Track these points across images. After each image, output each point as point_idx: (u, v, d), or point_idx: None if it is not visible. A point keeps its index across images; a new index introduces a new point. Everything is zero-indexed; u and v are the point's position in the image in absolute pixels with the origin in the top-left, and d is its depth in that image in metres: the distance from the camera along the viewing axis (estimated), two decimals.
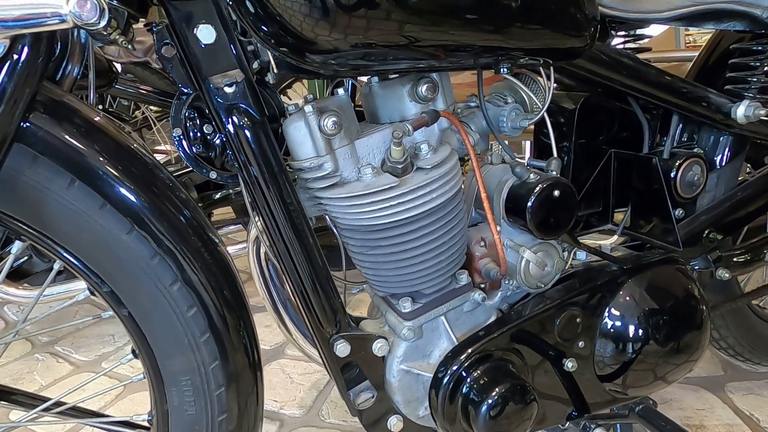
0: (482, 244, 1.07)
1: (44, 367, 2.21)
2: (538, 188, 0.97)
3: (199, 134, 0.97)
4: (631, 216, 1.23)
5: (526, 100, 1.09)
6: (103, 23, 0.62)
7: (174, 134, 0.97)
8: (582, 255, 1.19)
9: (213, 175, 1.01)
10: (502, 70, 0.89)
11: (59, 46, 0.86)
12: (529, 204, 0.96)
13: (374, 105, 1.00)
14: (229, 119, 0.85)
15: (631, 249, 1.25)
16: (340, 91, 0.96)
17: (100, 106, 2.11)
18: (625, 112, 1.22)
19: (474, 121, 1.08)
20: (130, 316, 0.85)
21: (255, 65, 0.86)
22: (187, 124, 0.97)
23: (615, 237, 1.23)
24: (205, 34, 0.80)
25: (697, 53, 1.39)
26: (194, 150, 0.98)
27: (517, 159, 1.05)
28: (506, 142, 1.12)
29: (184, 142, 0.97)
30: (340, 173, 0.92)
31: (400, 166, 0.92)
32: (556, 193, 0.97)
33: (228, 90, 0.82)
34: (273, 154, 0.89)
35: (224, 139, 0.87)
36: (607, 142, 1.23)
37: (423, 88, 0.93)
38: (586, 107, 1.17)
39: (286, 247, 0.93)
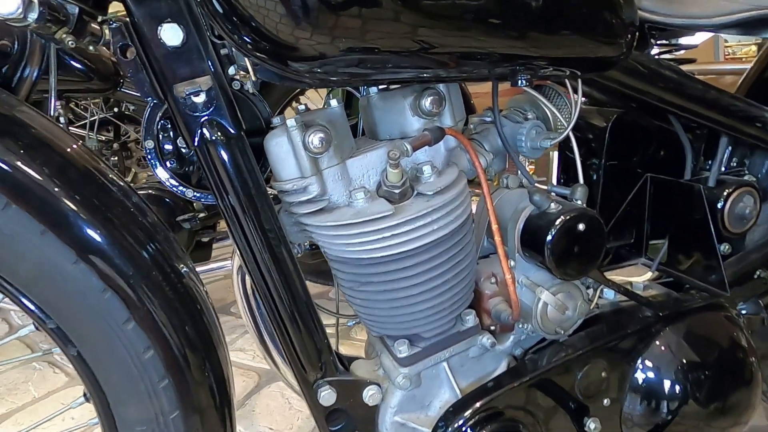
0: (493, 280, 0.93)
1: (40, 377, 2.14)
2: (559, 220, 0.82)
3: (173, 148, 0.86)
4: (668, 251, 1.07)
5: (549, 116, 0.95)
6: (31, 18, 0.52)
7: (145, 147, 0.86)
8: (610, 294, 1.04)
9: (189, 194, 0.89)
10: (520, 82, 0.76)
11: (16, 48, 0.76)
12: (549, 238, 0.82)
13: (373, 119, 0.88)
14: (198, 134, 0.73)
15: (667, 288, 1.09)
16: (333, 102, 0.84)
17: (99, 114, 2.04)
18: (663, 131, 1.07)
19: (488, 139, 0.95)
20: (80, 356, 0.74)
21: (231, 71, 0.74)
22: (161, 136, 0.86)
23: (649, 274, 1.08)
24: (171, 34, 0.68)
25: (737, 66, 1.23)
26: (168, 165, 0.87)
27: (538, 184, 0.91)
28: (526, 163, 0.98)
29: (157, 157, 0.86)
30: (328, 197, 0.80)
31: (397, 191, 0.79)
32: (581, 226, 0.83)
33: (196, 100, 0.71)
34: (251, 173, 0.77)
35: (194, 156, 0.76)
36: (643, 165, 1.08)
37: (427, 102, 0.80)
38: (619, 125, 1.03)
39: (263, 279, 0.81)
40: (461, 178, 0.83)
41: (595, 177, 1.04)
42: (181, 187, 0.89)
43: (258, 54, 0.67)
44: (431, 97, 0.80)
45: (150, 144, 0.87)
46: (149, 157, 0.87)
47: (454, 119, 0.84)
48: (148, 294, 0.72)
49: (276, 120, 0.84)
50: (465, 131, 0.97)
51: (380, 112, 0.86)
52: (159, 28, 0.68)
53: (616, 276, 1.09)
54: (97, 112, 2.02)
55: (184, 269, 0.81)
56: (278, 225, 0.81)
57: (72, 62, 1.76)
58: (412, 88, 0.82)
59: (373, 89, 0.86)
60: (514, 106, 0.99)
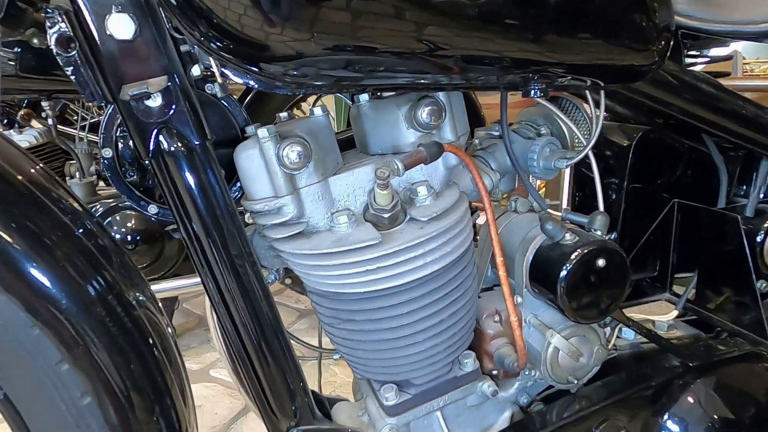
0: (497, 318, 0.81)
1: None
2: (575, 254, 0.71)
3: (135, 157, 0.76)
4: (697, 286, 0.95)
5: (566, 132, 0.84)
6: None
7: (103, 157, 0.75)
8: (629, 334, 0.92)
9: (153, 209, 0.79)
10: (533, 92, 0.65)
11: None
12: (563, 274, 0.71)
13: (363, 131, 0.77)
14: (152, 143, 0.62)
15: (694, 329, 0.97)
16: (317, 110, 0.73)
17: (89, 115, 1.95)
18: (694, 151, 0.95)
19: (495, 157, 0.83)
20: (7, 399, 0.63)
21: (196, 71, 0.64)
22: (119, 144, 0.76)
23: (674, 312, 0.95)
24: (121, 26, 0.58)
25: (757, 82, 1.11)
26: (128, 177, 0.77)
27: (551, 209, 0.79)
28: (536, 184, 0.86)
29: (114, 167, 0.76)
30: (306, 220, 0.69)
31: (386, 216, 0.67)
32: (600, 262, 0.71)
33: (150, 103, 0.60)
34: (216, 190, 0.66)
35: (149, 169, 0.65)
36: (670, 189, 0.96)
37: (424, 113, 0.69)
38: (645, 143, 0.91)
39: (227, 309, 0.70)
40: (462, 201, 0.72)
41: (615, 200, 0.92)
42: (142, 202, 0.79)
43: (222, 54, 0.56)
44: (429, 108, 0.69)
45: (108, 152, 0.76)
46: (105, 167, 0.76)
47: (455, 133, 0.73)
48: (87, 331, 0.61)
49: (250, 129, 0.73)
50: (469, 147, 0.86)
51: (371, 124, 0.75)
52: (107, 17, 0.58)
53: (636, 313, 0.97)
54: (87, 114, 1.94)
55: (139, 298, 0.70)
56: (248, 249, 0.69)
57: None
58: (408, 97, 0.71)
59: (364, 97, 0.75)
60: (526, 119, 0.88)
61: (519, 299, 0.80)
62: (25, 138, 1.95)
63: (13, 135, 1.96)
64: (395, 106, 0.71)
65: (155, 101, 0.61)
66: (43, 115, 1.88)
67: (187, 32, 0.56)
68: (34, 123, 2.14)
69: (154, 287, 1.89)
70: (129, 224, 1.80)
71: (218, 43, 0.55)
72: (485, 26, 0.61)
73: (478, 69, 0.65)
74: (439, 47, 0.61)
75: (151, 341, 0.68)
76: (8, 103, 2.20)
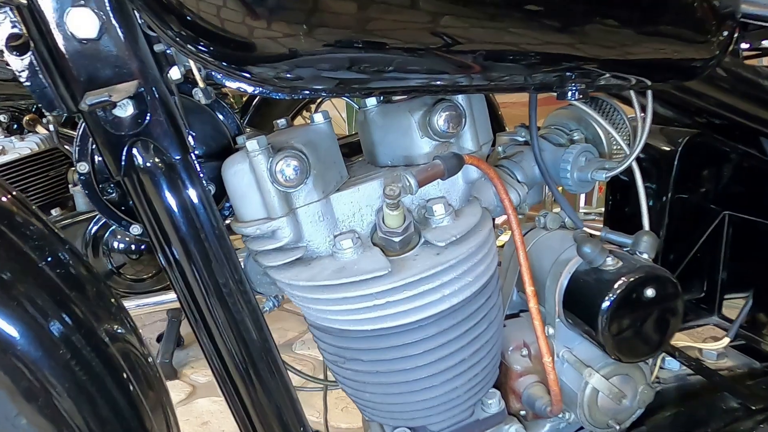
0: (525, 352, 0.71)
1: None
2: (619, 283, 0.60)
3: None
4: (751, 310, 0.84)
5: (603, 137, 0.73)
6: None
7: (78, 171, 0.67)
8: (674, 364, 0.81)
9: (136, 230, 0.70)
10: (569, 94, 0.54)
11: None
12: (605, 306, 0.60)
13: (370, 139, 0.67)
14: (124, 159, 0.54)
15: (747, 358, 0.86)
16: (318, 117, 0.63)
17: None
18: (748, 158, 0.83)
19: (522, 167, 0.73)
20: None
21: (174, 74, 0.55)
22: (96, 159, 0.67)
23: (726, 340, 0.84)
24: (82, 22, 0.49)
25: None
26: (107, 193, 0.68)
27: (586, 227, 0.69)
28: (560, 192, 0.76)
29: (89, 183, 0.67)
30: (305, 244, 0.60)
31: (397, 240, 0.58)
32: (650, 292, 0.61)
33: (120, 113, 0.51)
34: (200, 210, 0.57)
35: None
36: (719, 199, 0.84)
37: (440, 119, 0.59)
38: (692, 149, 0.80)
39: (214, 346, 0.61)
40: (485, 221, 0.62)
41: (657, 212, 0.81)
42: (123, 222, 0.70)
43: (201, 56, 0.47)
44: (447, 113, 0.59)
45: (84, 167, 0.68)
46: (82, 184, 0.68)
47: (476, 142, 0.63)
48: (48, 378, 0.53)
49: (240, 140, 0.64)
50: (491, 155, 0.76)
51: (380, 132, 0.66)
52: (66, 13, 0.49)
53: (680, 340, 0.86)
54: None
55: (115, 332, 0.61)
56: (238, 277, 0.61)
57: None
58: (422, 101, 0.61)
59: (371, 101, 0.65)
60: (556, 123, 0.78)
61: (550, 330, 0.69)
62: (26, 145, 1.89)
63: (14, 141, 1.90)
64: (407, 111, 0.62)
65: (125, 110, 0.52)
66: (44, 120, 1.82)
67: (159, 30, 0.47)
68: (40, 129, 2.08)
69: (159, 298, 1.79)
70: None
71: (195, 44, 0.47)
72: (513, 16, 0.51)
73: (504, 67, 0.55)
74: (459, 42, 0.51)
75: (126, 380, 0.60)
76: (16, 108, 2.15)
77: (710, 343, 0.85)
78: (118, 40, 0.51)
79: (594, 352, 0.68)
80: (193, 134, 0.71)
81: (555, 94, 0.56)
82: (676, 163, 0.79)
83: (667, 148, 0.80)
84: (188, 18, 0.45)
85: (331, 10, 0.47)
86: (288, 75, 0.49)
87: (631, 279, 0.60)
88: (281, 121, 0.70)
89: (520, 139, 0.80)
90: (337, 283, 0.55)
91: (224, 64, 0.48)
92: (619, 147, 0.74)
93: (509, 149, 0.78)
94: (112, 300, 0.63)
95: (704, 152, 0.80)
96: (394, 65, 0.50)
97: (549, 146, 0.73)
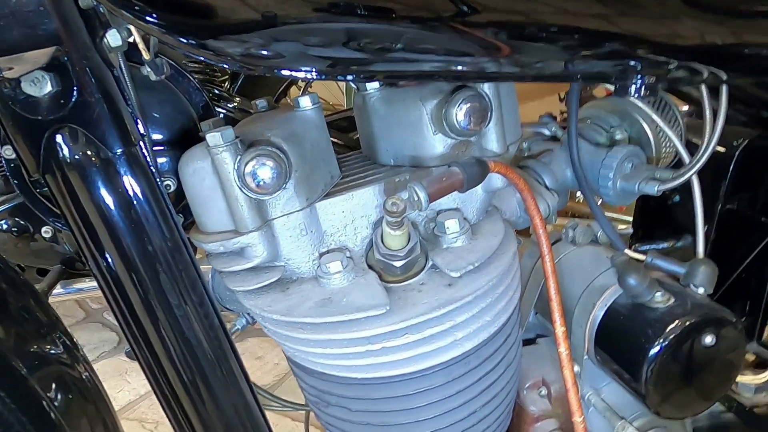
0: (543, 392, 0.60)
1: None
2: (673, 326, 0.48)
3: None
4: None
5: (651, 139, 0.60)
6: None
7: (3, 156, 0.54)
8: None
9: None
10: (633, 89, 0.41)
11: None
12: (653, 353, 0.49)
13: (371, 130, 0.54)
14: (43, 151, 0.41)
15: None
16: (304, 101, 0.50)
17: None
18: None
19: (551, 170, 0.61)
20: None
21: (114, 39, 0.41)
22: None
23: (767, 374, 0.73)
24: None
25: None
26: (40, 185, 0.55)
27: (629, 251, 0.56)
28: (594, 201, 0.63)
29: (20, 171, 0.54)
30: (282, 263, 0.47)
31: (398, 265, 0.46)
32: (708, 339, 0.49)
33: (34, 91, 0.38)
34: (148, 216, 0.45)
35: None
36: None
37: (460, 112, 0.46)
38: (751, 153, 0.68)
39: (165, 379, 0.50)
40: (508, 242, 0.50)
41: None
42: (57, 220, 0.58)
43: (138, 23, 0.34)
44: (468, 105, 0.46)
45: (10, 152, 0.55)
46: (8, 172, 0.55)
47: (503, 142, 0.50)
48: None
49: (205, 127, 0.50)
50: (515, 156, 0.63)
51: (382, 122, 0.52)
52: None
53: None
54: None
55: (47, 349, 0.50)
56: (197, 296, 0.49)
57: None
58: (437, 86, 0.48)
59: (373, 83, 0.52)
60: (593, 117, 0.65)
61: (576, 368, 0.58)
62: None
63: None
64: (418, 99, 0.49)
65: (41, 87, 0.39)
66: None
67: None
68: None
69: None
70: None
71: (128, 7, 0.33)
72: None
73: (546, 50, 0.41)
74: (487, 13, 0.38)
75: (58, 398, 0.48)
76: None
77: (748, 376, 0.74)
78: None
79: (625, 397, 0.57)
80: (155, 116, 0.58)
81: (611, 86, 0.43)
82: (732, 169, 0.66)
83: (722, 150, 0.67)
84: None
85: None
86: (263, 52, 0.36)
87: (687, 322, 0.48)
88: (260, 102, 0.57)
89: (546, 132, 0.68)
90: (320, 321, 0.43)
91: (173, 35, 0.35)
92: (669, 150, 0.61)
93: (535, 145, 0.65)
94: (44, 315, 0.52)
95: (766, 158, 0.67)
96: (402, 42, 0.37)
97: (585, 146, 0.60)
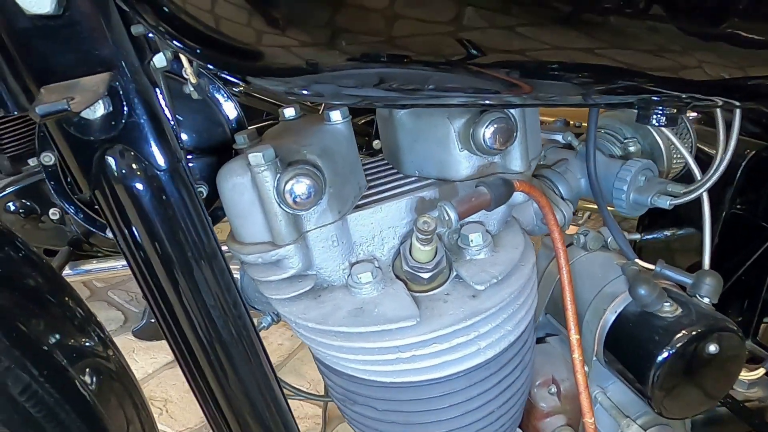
0: (553, 389, 0.63)
1: None
2: (680, 336, 0.52)
3: None
4: None
5: (664, 151, 0.63)
6: None
7: (42, 163, 0.56)
8: None
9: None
10: (654, 119, 0.43)
11: None
12: (660, 359, 0.52)
13: (396, 142, 0.56)
14: (95, 170, 0.43)
15: None
16: (335, 115, 0.52)
17: None
18: None
19: (566, 180, 0.63)
20: None
21: (160, 61, 0.43)
22: None
23: (761, 371, 0.77)
24: None
25: None
26: (79, 191, 0.57)
27: (639, 260, 0.59)
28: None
29: (59, 177, 0.56)
30: (315, 272, 0.50)
31: (426, 276, 0.48)
32: (712, 348, 0.52)
33: (88, 115, 0.40)
34: (189, 230, 0.47)
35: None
36: None
37: (487, 132, 0.48)
38: (758, 163, 0.70)
39: (203, 379, 0.53)
40: (528, 255, 0.52)
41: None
42: (98, 223, 0.60)
43: (192, 57, 0.36)
44: (496, 126, 0.48)
45: (48, 158, 0.57)
46: (47, 177, 0.57)
47: (525, 159, 0.52)
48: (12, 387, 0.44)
49: (240, 139, 0.53)
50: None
51: (409, 137, 0.54)
52: None
53: None
54: None
55: (83, 341, 0.53)
56: (231, 298, 0.52)
57: None
58: (465, 108, 0.50)
59: None
60: (607, 128, 0.67)
61: (584, 368, 0.62)
62: None
63: None
64: (446, 116, 0.51)
65: (95, 111, 0.40)
66: None
67: (137, 15, 0.36)
68: None
69: None
70: None
71: (183, 44, 0.35)
72: (585, 21, 0.40)
73: (570, 87, 0.43)
74: (509, 55, 0.40)
75: (93, 387, 0.52)
76: None
77: (742, 372, 0.78)
78: (84, 17, 0.39)
79: (630, 396, 0.61)
80: (185, 121, 0.60)
81: (636, 112, 0.45)
82: (738, 176, 0.69)
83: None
84: (173, 11, 0.33)
85: (358, 15, 0.35)
86: (304, 91, 0.37)
87: (693, 332, 0.52)
88: (288, 111, 0.59)
89: (561, 139, 0.70)
90: (354, 331, 0.46)
91: (220, 70, 0.36)
92: (679, 161, 0.63)
93: (550, 154, 0.67)
94: (79, 309, 0.55)
95: None
96: (430, 83, 0.39)
97: (600, 157, 0.62)
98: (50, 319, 0.54)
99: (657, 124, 0.43)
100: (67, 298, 0.57)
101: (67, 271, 1.43)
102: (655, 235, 0.88)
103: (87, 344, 0.56)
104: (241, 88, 1.23)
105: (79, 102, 0.35)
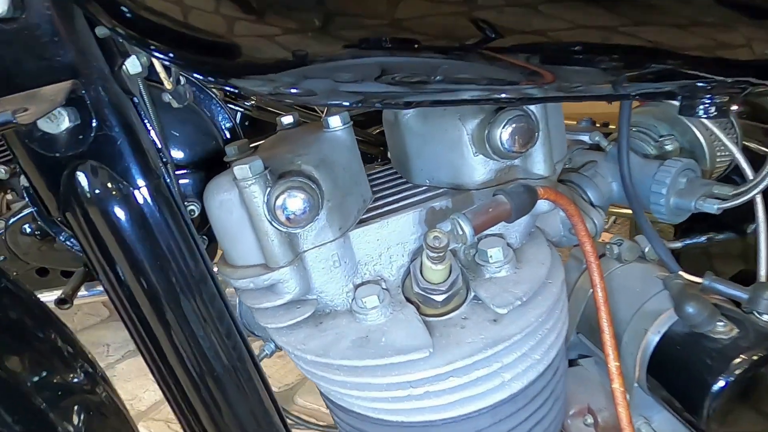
0: (589, 420, 0.57)
1: None
2: (740, 360, 0.45)
3: None
4: None
5: (706, 149, 0.56)
6: None
7: (23, 185, 0.52)
8: None
9: None
10: (701, 110, 0.37)
11: None
12: (716, 387, 0.45)
13: (404, 148, 0.51)
14: (62, 191, 0.38)
15: None
16: (334, 120, 0.47)
17: None
18: None
19: (597, 183, 0.57)
20: None
21: (133, 66, 0.38)
22: None
23: None
24: None
25: None
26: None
27: (683, 272, 0.52)
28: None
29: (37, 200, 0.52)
30: (315, 296, 0.44)
31: (440, 299, 0.42)
32: None
33: (50, 129, 0.36)
34: (174, 253, 0.42)
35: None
36: None
37: (504, 133, 0.43)
38: None
39: (192, 413, 0.48)
40: (556, 270, 0.46)
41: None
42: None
43: (162, 60, 0.31)
44: (514, 126, 0.42)
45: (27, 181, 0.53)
46: (28, 197, 0.53)
47: (550, 163, 0.46)
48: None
49: (230, 151, 0.48)
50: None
51: (417, 141, 0.49)
52: None
53: None
54: None
55: (96, 406, 0.48)
56: (224, 328, 0.46)
57: None
58: (478, 106, 0.45)
59: None
60: (639, 125, 0.60)
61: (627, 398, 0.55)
62: None
63: None
64: (457, 118, 0.45)
65: (58, 123, 0.36)
66: None
67: (102, 17, 0.31)
68: None
69: None
70: None
71: (149, 46, 0.30)
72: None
73: (596, 74, 0.37)
74: (527, 36, 0.34)
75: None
76: None
77: None
78: (43, 19, 0.34)
79: (678, 426, 0.53)
80: (177, 136, 0.55)
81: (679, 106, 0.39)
82: None
83: None
84: (129, 7, 0.28)
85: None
86: (293, 90, 0.32)
87: (754, 356, 0.45)
88: (286, 119, 0.54)
89: (587, 140, 0.64)
90: (359, 364, 0.40)
91: (195, 73, 0.32)
92: (723, 160, 0.56)
93: (576, 156, 0.61)
94: (69, 347, 0.50)
95: None
96: (439, 74, 0.33)
97: (633, 157, 0.56)
98: (34, 357, 0.49)
99: (705, 116, 0.37)
100: (54, 335, 0.53)
101: (82, 291, 1.41)
102: (690, 241, 0.81)
103: (75, 381, 0.52)
104: (253, 102, 1.19)
105: (31, 113, 0.31)
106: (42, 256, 1.44)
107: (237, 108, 1.10)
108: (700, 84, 0.36)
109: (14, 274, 1.54)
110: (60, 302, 0.97)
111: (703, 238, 0.79)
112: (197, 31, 0.30)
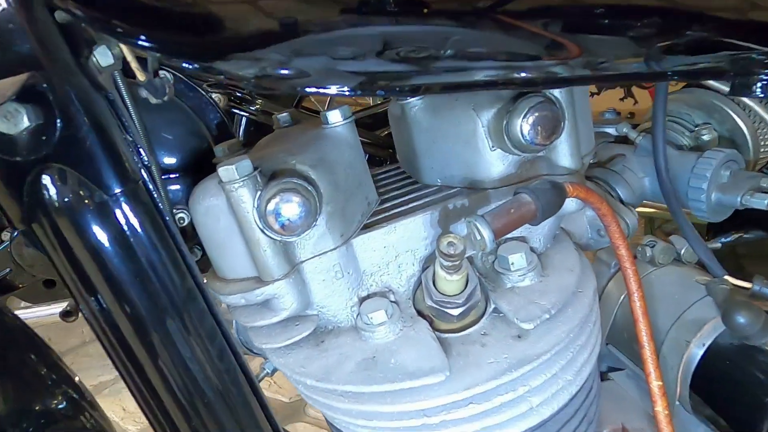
0: None
1: None
2: None
3: None
4: None
5: (748, 137, 0.50)
6: None
7: None
8: None
9: None
10: (759, 87, 0.32)
11: None
12: None
13: (412, 145, 0.46)
14: (25, 201, 0.34)
15: None
16: (333, 115, 0.42)
17: None
18: None
19: (627, 179, 0.51)
20: None
21: (104, 58, 0.34)
22: None
23: None
24: None
25: None
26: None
27: (728, 277, 0.47)
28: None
29: None
30: (315, 312, 0.40)
31: (456, 313, 0.37)
32: None
33: (7, 129, 0.31)
34: (156, 266, 0.38)
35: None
36: None
37: (526, 123, 0.37)
38: None
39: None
40: (587, 277, 0.41)
41: None
42: None
43: (131, 45, 0.27)
44: (536, 114, 0.37)
45: None
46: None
47: (577, 156, 0.41)
48: None
49: (219, 151, 0.43)
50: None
51: (426, 137, 0.44)
52: None
53: None
54: None
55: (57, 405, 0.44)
56: (216, 349, 0.42)
57: None
58: (495, 93, 0.40)
59: None
60: (671, 113, 0.55)
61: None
62: None
63: None
64: (471, 108, 0.40)
65: (17, 122, 0.31)
66: None
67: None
68: None
69: None
70: None
71: (116, 21, 0.26)
72: None
73: (630, 44, 0.32)
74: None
75: None
76: None
77: None
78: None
79: None
80: (163, 138, 0.51)
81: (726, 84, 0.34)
82: None
83: None
84: None
85: None
86: (282, 71, 0.28)
87: None
88: (282, 116, 0.49)
89: (614, 132, 0.58)
90: (365, 390, 0.35)
91: (170, 58, 0.27)
92: (767, 150, 0.51)
93: (602, 150, 0.55)
94: (52, 374, 0.46)
95: None
96: (450, 46, 0.29)
97: (667, 150, 0.50)
98: (16, 385, 0.45)
99: (762, 96, 0.31)
100: (37, 361, 0.49)
101: None
102: (721, 240, 0.75)
103: (58, 408, 0.47)
104: (258, 105, 1.15)
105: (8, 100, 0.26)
106: (48, 268, 1.40)
107: (242, 113, 1.06)
108: (756, 56, 0.31)
109: (21, 286, 1.51)
110: (65, 314, 0.93)
111: (731, 238, 0.73)
112: (168, 3, 0.26)
